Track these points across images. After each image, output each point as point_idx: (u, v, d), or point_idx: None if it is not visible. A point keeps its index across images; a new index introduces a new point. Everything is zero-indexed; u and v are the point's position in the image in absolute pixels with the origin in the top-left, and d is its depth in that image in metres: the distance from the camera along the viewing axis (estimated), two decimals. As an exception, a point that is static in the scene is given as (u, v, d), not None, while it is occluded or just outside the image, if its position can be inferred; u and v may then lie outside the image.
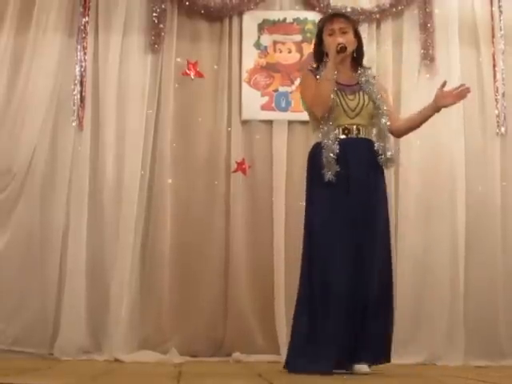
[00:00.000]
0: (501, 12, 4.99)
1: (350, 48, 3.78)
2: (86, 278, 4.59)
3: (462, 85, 3.78)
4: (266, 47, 4.95)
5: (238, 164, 4.84)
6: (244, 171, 4.85)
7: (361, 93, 3.77)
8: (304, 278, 3.68)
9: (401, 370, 3.90)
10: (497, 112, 4.91)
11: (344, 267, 3.55)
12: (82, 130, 4.73)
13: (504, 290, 4.75)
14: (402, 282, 4.70)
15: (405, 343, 4.60)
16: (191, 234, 4.77)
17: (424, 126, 4.78)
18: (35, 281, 4.55)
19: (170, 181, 4.79)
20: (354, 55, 3.85)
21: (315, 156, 3.73)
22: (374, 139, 3.75)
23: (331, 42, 3.74)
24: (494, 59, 4.95)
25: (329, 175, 3.62)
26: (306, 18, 4.97)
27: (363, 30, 4.96)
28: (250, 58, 4.94)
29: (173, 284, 4.71)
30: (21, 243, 4.57)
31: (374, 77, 3.90)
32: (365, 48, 4.86)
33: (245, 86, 4.91)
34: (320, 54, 3.86)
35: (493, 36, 4.97)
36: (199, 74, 4.92)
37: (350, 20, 3.91)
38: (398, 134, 3.95)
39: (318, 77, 3.76)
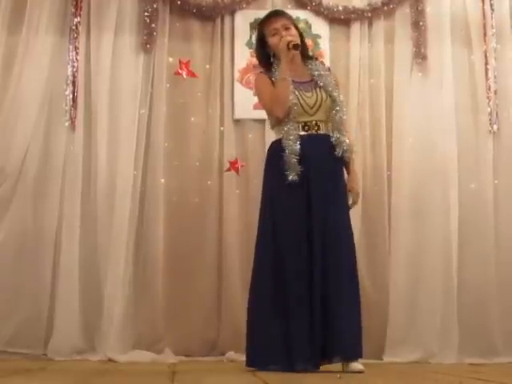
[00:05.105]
0: (492, 10, 4.98)
1: (297, 42, 3.75)
2: (80, 278, 4.58)
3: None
4: (258, 46, 4.94)
5: (231, 163, 4.84)
6: (237, 170, 4.85)
7: (317, 89, 3.77)
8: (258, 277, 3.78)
9: (395, 368, 3.91)
10: (489, 110, 4.91)
11: (300, 267, 3.60)
12: (74, 130, 4.71)
13: (497, 288, 4.75)
14: (395, 280, 4.71)
15: (399, 341, 4.61)
16: (184, 234, 4.76)
17: (417, 123, 4.87)
18: (28, 281, 4.54)
19: (162, 180, 4.79)
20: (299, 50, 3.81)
21: (275, 154, 3.72)
22: (330, 132, 3.75)
23: (279, 41, 3.74)
24: (486, 57, 4.94)
25: (292, 176, 3.62)
26: (297, 17, 4.90)
27: (355, 28, 4.99)
28: (243, 58, 4.93)
29: (166, 284, 4.70)
30: (14, 243, 4.56)
31: (328, 69, 3.90)
32: (357, 47, 4.97)
33: (237, 85, 4.91)
34: (266, 57, 3.85)
35: (485, 34, 4.96)
36: (191, 74, 4.92)
37: (288, 16, 3.91)
38: None
39: (273, 79, 3.76)
